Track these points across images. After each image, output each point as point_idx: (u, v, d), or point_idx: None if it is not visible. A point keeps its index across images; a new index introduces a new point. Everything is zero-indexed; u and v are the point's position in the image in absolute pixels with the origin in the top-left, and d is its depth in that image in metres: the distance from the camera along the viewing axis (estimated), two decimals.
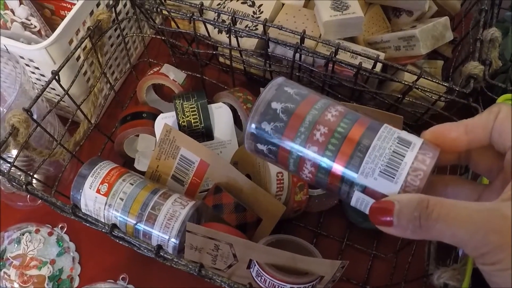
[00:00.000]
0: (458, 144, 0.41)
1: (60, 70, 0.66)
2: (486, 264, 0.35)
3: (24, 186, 0.58)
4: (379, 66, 0.70)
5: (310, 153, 0.42)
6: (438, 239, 0.36)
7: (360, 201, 0.41)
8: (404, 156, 0.39)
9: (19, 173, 0.73)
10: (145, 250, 0.55)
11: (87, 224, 0.57)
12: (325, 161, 0.41)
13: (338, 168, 0.41)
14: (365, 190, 0.40)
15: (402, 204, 0.37)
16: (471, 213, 0.35)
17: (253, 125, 0.44)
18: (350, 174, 0.41)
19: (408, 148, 0.39)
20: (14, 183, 0.59)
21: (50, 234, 0.77)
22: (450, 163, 0.45)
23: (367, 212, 0.41)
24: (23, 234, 0.76)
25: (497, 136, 0.39)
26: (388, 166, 0.39)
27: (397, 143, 0.40)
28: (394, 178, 0.39)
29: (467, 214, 0.35)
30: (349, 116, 0.42)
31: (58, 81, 0.67)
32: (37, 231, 0.77)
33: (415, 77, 0.67)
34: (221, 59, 0.88)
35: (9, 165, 0.62)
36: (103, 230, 0.55)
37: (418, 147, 0.40)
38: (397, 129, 0.41)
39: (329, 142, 0.41)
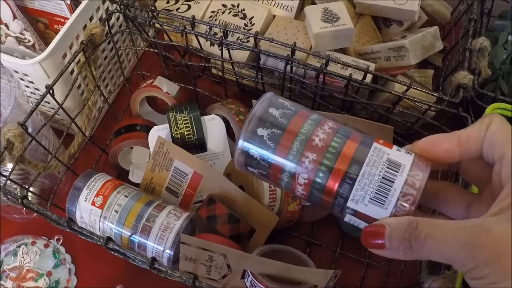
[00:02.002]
0: (450, 156, 0.41)
1: (54, 85, 0.67)
2: (474, 279, 0.36)
3: (19, 200, 0.59)
4: (369, 77, 0.70)
5: (301, 179, 0.42)
6: (428, 258, 0.37)
7: (352, 220, 0.42)
8: (393, 182, 0.39)
9: (14, 186, 0.73)
10: (140, 262, 0.55)
11: (82, 237, 0.57)
12: (316, 186, 0.42)
13: (329, 192, 0.41)
14: (356, 213, 0.41)
15: (393, 227, 0.38)
16: (457, 230, 0.36)
17: (243, 143, 0.45)
18: (341, 200, 0.41)
19: (398, 172, 0.40)
20: (9, 197, 0.59)
21: (46, 246, 0.77)
22: (441, 169, 0.46)
23: (360, 227, 0.42)
24: (20, 246, 0.77)
25: (487, 147, 0.39)
26: (378, 193, 0.40)
27: (386, 167, 0.40)
28: (384, 204, 0.39)
29: (453, 231, 0.36)
30: (338, 137, 0.42)
31: (52, 95, 0.67)
32: (33, 243, 0.77)
33: (405, 87, 0.68)
34: (213, 71, 0.88)
35: (4, 178, 0.62)
36: (98, 243, 0.56)
37: (408, 169, 0.40)
38: (387, 149, 0.42)
39: (319, 170, 0.41)
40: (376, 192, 0.40)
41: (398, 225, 0.38)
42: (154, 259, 0.54)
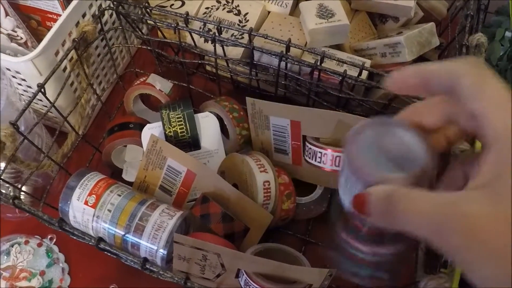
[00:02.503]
0: (418, 91, 0.39)
1: (45, 83, 0.66)
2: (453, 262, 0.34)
3: (11, 200, 0.58)
4: (365, 73, 0.70)
5: None
6: (409, 231, 0.35)
7: None
8: None
9: (7, 185, 0.73)
10: (132, 263, 0.55)
11: (74, 237, 0.57)
12: None
13: None
14: None
15: (373, 197, 0.37)
16: (434, 207, 0.33)
17: None
18: None
19: None
20: (1, 197, 0.59)
21: (40, 245, 0.77)
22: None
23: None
24: (13, 246, 0.76)
25: (464, 102, 0.35)
26: None
27: None
28: None
29: (430, 208, 0.33)
30: None
31: (44, 94, 0.67)
32: (26, 243, 0.77)
33: None
34: (207, 68, 0.88)
35: None
36: (89, 243, 0.56)
37: None
38: None
39: None
40: None
41: (377, 195, 0.36)
42: (145, 260, 0.53)
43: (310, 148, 0.69)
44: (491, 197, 0.32)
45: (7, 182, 0.65)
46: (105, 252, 0.57)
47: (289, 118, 0.69)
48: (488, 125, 0.34)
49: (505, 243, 0.30)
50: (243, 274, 0.58)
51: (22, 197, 0.64)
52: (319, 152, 0.67)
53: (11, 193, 0.73)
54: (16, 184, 0.68)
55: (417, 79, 0.38)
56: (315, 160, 0.67)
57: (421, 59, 0.82)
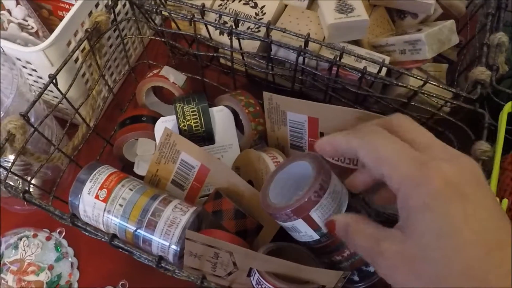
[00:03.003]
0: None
1: (57, 74, 0.65)
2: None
3: (21, 194, 0.57)
4: (383, 70, 0.68)
5: None
6: (358, 252, 0.48)
7: None
8: None
9: (16, 178, 0.72)
10: (146, 260, 0.54)
11: (86, 233, 0.56)
12: None
13: None
14: None
15: (338, 223, 0.50)
16: (367, 240, 0.46)
17: None
18: None
19: None
20: (11, 191, 0.58)
21: (48, 239, 0.76)
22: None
23: None
24: (21, 239, 0.75)
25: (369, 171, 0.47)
26: None
27: None
28: None
29: (365, 240, 0.46)
30: None
31: (56, 85, 0.65)
32: (34, 236, 0.76)
33: (420, 82, 0.66)
34: (222, 61, 0.86)
35: (6, 171, 0.61)
36: (102, 240, 0.54)
37: None
38: None
39: None
40: None
41: (339, 223, 0.50)
42: (161, 258, 0.52)
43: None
44: (402, 235, 0.42)
45: (17, 175, 0.64)
46: (118, 249, 0.56)
47: (307, 114, 0.67)
48: (390, 181, 0.43)
49: (404, 272, 0.41)
50: (255, 273, 0.57)
51: (31, 189, 0.62)
52: None
53: (20, 186, 0.72)
54: (25, 177, 0.67)
55: (330, 147, 0.51)
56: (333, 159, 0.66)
57: (440, 57, 0.81)
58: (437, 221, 0.39)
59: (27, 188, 0.59)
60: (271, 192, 0.59)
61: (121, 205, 0.63)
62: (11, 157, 0.63)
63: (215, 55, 0.79)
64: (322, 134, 0.69)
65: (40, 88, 0.64)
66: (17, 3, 0.77)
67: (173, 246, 0.60)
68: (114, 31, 0.82)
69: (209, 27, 0.74)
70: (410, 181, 0.41)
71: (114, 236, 0.54)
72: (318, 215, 0.53)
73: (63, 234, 0.77)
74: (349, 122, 0.63)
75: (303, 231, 0.57)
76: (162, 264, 0.52)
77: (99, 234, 0.54)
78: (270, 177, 0.60)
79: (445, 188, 0.40)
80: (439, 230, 0.39)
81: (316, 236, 0.56)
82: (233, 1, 0.80)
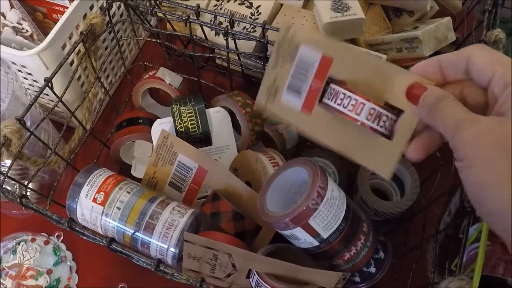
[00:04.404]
0: (436, 77, 0.47)
1: (52, 77, 0.65)
2: (456, 160, 0.42)
3: (18, 199, 0.57)
4: None
5: None
6: (435, 125, 0.45)
7: None
8: None
9: (13, 182, 0.71)
10: (144, 264, 0.53)
11: (84, 238, 0.55)
12: None
13: None
14: None
15: (430, 91, 0.45)
16: (461, 114, 0.42)
17: None
18: None
19: None
20: (8, 196, 0.57)
21: (47, 243, 0.75)
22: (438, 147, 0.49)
23: None
24: (19, 244, 0.75)
25: (477, 77, 0.45)
26: None
27: None
28: None
29: (458, 114, 0.43)
30: None
31: (51, 88, 0.65)
32: (33, 240, 0.75)
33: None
34: (218, 61, 0.86)
35: (2, 176, 0.60)
36: (100, 244, 0.54)
37: None
38: None
39: None
40: None
41: (433, 91, 0.45)
42: (159, 261, 0.52)
43: (338, 91, 0.51)
44: (502, 121, 0.41)
45: (14, 179, 0.64)
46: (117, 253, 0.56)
47: (321, 52, 0.53)
48: (501, 80, 0.42)
49: (505, 149, 0.39)
50: (254, 275, 0.57)
51: (28, 193, 0.62)
52: (348, 96, 0.51)
53: (18, 191, 0.71)
54: (22, 181, 0.66)
55: (435, 63, 0.47)
56: (335, 102, 0.52)
57: (436, 53, 0.81)
58: None
59: (24, 193, 0.59)
60: (269, 199, 0.58)
61: (118, 208, 0.62)
62: (8, 162, 0.63)
63: (211, 55, 0.79)
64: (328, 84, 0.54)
65: (36, 91, 0.64)
66: (11, 7, 0.76)
67: (172, 249, 0.60)
68: (109, 33, 0.82)
69: (204, 27, 0.74)
70: None
71: (112, 240, 0.53)
72: (316, 222, 0.53)
73: (61, 238, 0.76)
74: (367, 70, 0.52)
75: (303, 238, 0.56)
76: (160, 268, 0.52)
77: (97, 238, 0.54)
78: (267, 183, 0.60)
79: None
80: None
81: (315, 243, 0.56)
82: (228, 1, 0.80)
